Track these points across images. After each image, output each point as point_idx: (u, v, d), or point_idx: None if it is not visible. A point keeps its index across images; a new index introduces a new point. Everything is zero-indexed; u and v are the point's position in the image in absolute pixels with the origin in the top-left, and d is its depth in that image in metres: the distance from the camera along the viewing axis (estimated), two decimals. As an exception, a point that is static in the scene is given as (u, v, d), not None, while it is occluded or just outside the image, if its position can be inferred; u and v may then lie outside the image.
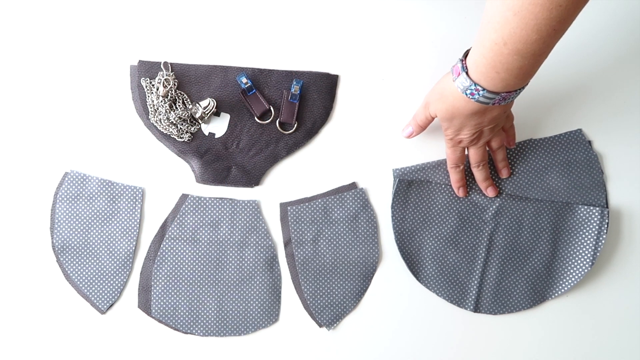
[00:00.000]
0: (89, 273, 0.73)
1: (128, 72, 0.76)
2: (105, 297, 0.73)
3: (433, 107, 0.66)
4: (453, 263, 0.73)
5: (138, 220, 0.74)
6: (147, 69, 0.75)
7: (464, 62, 0.59)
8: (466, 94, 0.59)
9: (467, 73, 0.59)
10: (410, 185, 0.73)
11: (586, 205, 0.72)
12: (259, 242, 0.74)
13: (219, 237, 0.74)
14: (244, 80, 0.73)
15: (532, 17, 0.49)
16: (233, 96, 0.75)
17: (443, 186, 0.73)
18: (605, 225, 0.71)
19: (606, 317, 0.73)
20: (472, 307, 0.72)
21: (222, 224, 0.74)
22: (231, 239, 0.74)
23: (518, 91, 0.59)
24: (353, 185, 0.75)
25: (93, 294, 0.73)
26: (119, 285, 0.73)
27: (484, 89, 0.58)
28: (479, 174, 0.71)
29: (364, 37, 0.76)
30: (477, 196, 0.73)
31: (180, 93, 0.74)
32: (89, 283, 0.73)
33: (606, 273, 0.73)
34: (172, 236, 0.73)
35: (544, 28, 0.50)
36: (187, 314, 0.73)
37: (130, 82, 0.76)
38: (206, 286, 0.73)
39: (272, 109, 0.75)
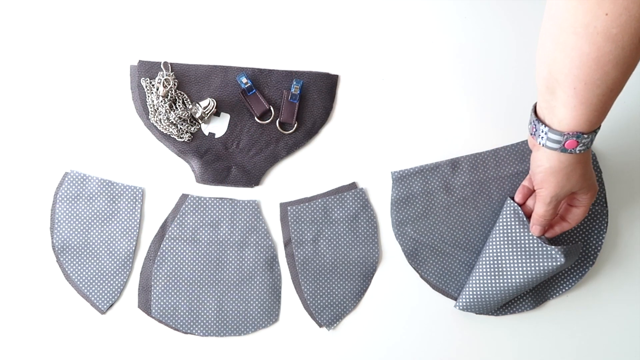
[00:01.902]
0: (89, 273, 0.73)
1: (128, 72, 0.76)
2: (105, 297, 0.73)
3: None
4: (453, 264, 0.73)
5: (138, 220, 0.74)
6: (147, 69, 0.75)
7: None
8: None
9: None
10: (408, 188, 0.73)
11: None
12: (259, 242, 0.74)
13: (219, 237, 0.74)
14: (244, 80, 0.74)
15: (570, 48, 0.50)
16: (233, 96, 0.75)
17: (442, 188, 0.73)
18: (605, 224, 0.71)
19: (606, 317, 0.73)
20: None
21: (222, 224, 0.74)
22: (231, 239, 0.74)
23: (544, 129, 0.57)
24: (353, 185, 0.75)
25: (93, 294, 0.73)
26: (119, 285, 0.73)
27: (534, 109, 0.58)
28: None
29: (364, 37, 0.76)
30: (477, 196, 0.73)
31: (180, 93, 0.74)
32: (89, 283, 0.73)
33: (606, 273, 0.73)
34: (172, 236, 0.73)
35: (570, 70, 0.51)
36: (187, 314, 0.73)
37: (130, 82, 0.76)
38: (206, 286, 0.73)
39: (272, 109, 0.75)
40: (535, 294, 0.72)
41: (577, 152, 0.56)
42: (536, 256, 0.66)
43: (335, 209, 0.74)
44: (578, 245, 0.68)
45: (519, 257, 0.67)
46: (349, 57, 0.76)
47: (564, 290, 0.72)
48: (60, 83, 0.76)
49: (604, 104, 0.52)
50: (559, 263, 0.65)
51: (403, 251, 0.73)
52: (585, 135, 0.55)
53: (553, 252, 0.65)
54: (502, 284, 0.68)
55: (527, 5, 0.76)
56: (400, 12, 0.77)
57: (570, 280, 0.72)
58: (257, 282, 0.73)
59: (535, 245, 0.66)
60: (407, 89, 0.76)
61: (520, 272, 0.67)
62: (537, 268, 0.66)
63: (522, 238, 0.67)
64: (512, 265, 0.68)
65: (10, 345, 0.73)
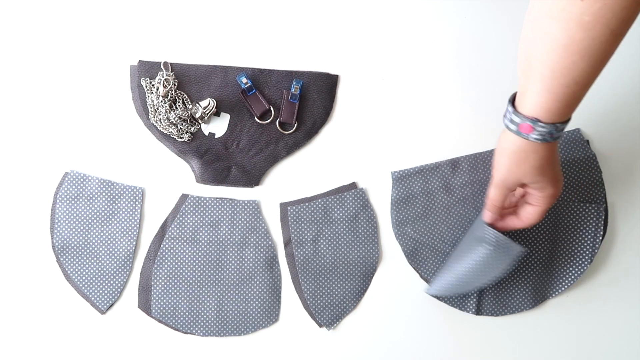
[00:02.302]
0: (89, 273, 0.73)
1: (128, 72, 0.76)
2: (105, 297, 0.73)
3: None
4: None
5: (138, 220, 0.74)
6: (147, 69, 0.75)
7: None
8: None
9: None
10: (408, 188, 0.73)
11: (584, 203, 0.72)
12: (259, 242, 0.74)
13: (219, 237, 0.74)
14: (244, 80, 0.74)
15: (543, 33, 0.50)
16: (233, 96, 0.75)
17: (442, 188, 0.73)
18: (605, 224, 0.71)
19: (606, 316, 0.73)
20: (473, 310, 0.72)
21: (222, 224, 0.74)
22: (231, 239, 0.74)
23: (510, 110, 0.56)
24: (353, 185, 0.75)
25: (93, 294, 0.73)
26: (119, 285, 0.73)
27: (512, 101, 0.57)
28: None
29: (364, 37, 0.76)
30: (477, 196, 0.73)
31: (180, 93, 0.75)
32: (89, 283, 0.73)
33: (606, 272, 0.73)
34: (172, 236, 0.73)
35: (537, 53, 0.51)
36: (187, 314, 0.73)
37: (130, 82, 0.76)
38: (206, 286, 0.73)
39: (272, 109, 0.75)
40: (534, 292, 0.72)
41: (532, 139, 0.55)
42: (476, 240, 0.66)
43: (335, 209, 0.74)
44: (518, 249, 0.65)
45: (469, 241, 0.68)
46: (349, 57, 0.76)
47: (563, 288, 0.72)
48: (60, 83, 0.76)
49: (567, 96, 0.51)
50: (488, 249, 0.64)
51: (403, 251, 0.73)
52: (542, 124, 0.53)
53: (486, 235, 0.65)
54: (455, 269, 0.69)
55: (526, 6, 0.76)
56: (400, 12, 0.77)
57: (569, 279, 0.72)
58: (257, 282, 0.73)
59: (480, 228, 0.66)
60: (407, 89, 0.76)
61: (467, 257, 0.67)
62: (475, 253, 0.66)
63: (476, 224, 0.68)
64: (463, 250, 0.68)
65: (10, 345, 0.73)
